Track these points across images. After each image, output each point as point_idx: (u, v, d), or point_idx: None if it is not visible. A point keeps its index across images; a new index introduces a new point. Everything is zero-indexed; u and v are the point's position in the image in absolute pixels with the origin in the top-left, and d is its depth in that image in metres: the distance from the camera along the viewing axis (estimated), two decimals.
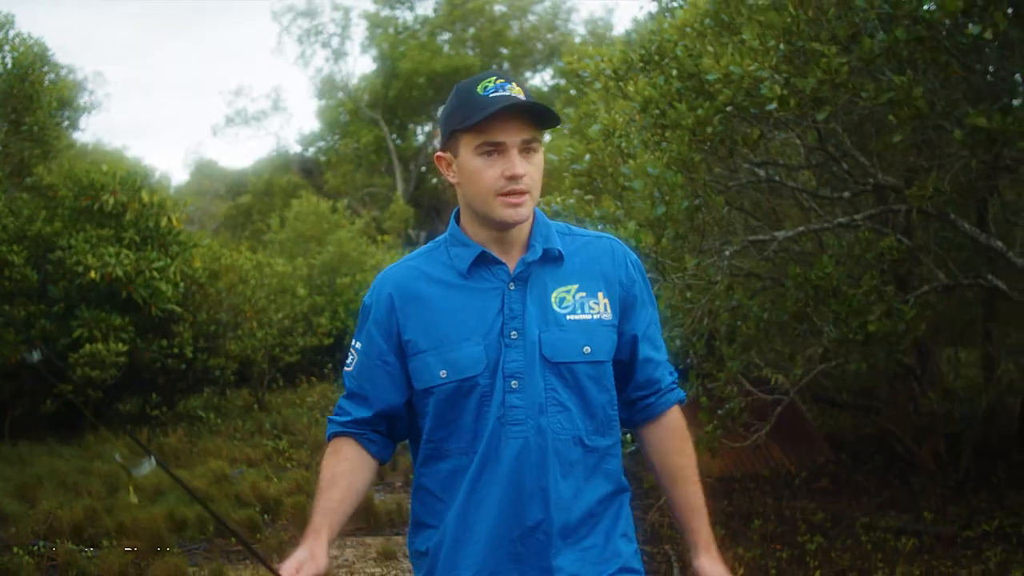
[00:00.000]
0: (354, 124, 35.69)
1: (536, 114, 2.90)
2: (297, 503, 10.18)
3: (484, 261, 2.99)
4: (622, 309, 3.07)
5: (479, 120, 2.81)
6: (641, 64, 9.33)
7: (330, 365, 21.53)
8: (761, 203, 10.03)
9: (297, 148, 38.78)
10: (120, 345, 14.78)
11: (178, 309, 15.98)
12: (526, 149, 2.89)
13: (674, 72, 8.34)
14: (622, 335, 3.08)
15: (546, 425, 2.92)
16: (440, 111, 3.12)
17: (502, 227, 2.97)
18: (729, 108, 7.63)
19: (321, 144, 37.55)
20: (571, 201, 9.83)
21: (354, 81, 37.29)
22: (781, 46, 7.29)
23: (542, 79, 48.99)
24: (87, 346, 14.59)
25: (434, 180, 37.01)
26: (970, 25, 6.57)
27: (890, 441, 11.95)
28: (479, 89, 2.88)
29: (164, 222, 16.14)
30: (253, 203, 33.14)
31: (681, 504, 3.17)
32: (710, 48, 8.19)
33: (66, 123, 18.71)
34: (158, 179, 24.58)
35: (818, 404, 14.04)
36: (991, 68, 7.40)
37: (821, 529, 9.41)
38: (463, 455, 2.96)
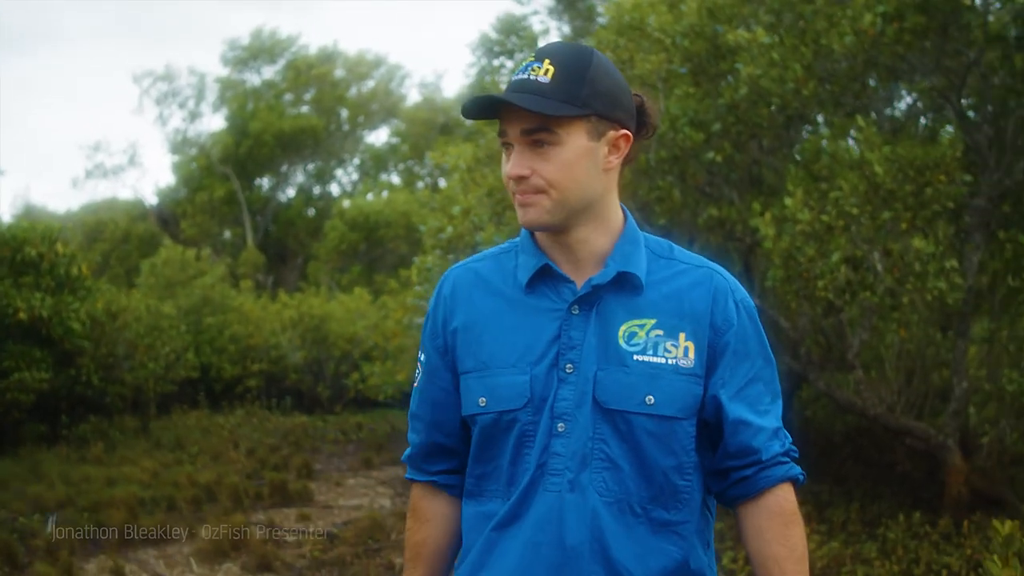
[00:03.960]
0: (207, 178, 38.06)
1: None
2: (229, 485, 13.28)
3: (548, 275, 2.53)
4: (711, 358, 2.51)
5: (464, 113, 2.47)
6: (486, 159, 12.52)
7: (202, 394, 24.04)
8: None
9: (154, 200, 41.03)
10: (43, 373, 17.55)
11: (86, 344, 18.81)
12: (534, 142, 2.41)
13: None
14: (706, 390, 2.51)
15: (587, 482, 2.42)
16: None
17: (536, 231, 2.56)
18: None
19: (176, 196, 39.70)
20: (432, 259, 12.97)
21: (205, 139, 39.95)
22: None
23: (377, 137, 52.00)
24: (15, 375, 17.32)
25: (269, 229, 39.49)
26: (709, 153, 10.14)
27: None
28: (514, 70, 2.48)
29: (75, 270, 18.94)
30: (111, 250, 35.35)
31: None
32: None
33: None
34: None
35: None
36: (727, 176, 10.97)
37: None
38: (500, 499, 2.52)
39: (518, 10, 23.76)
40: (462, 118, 2.67)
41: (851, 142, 9.71)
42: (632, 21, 10.75)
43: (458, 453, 2.70)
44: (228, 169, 37.96)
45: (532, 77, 2.39)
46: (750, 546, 2.55)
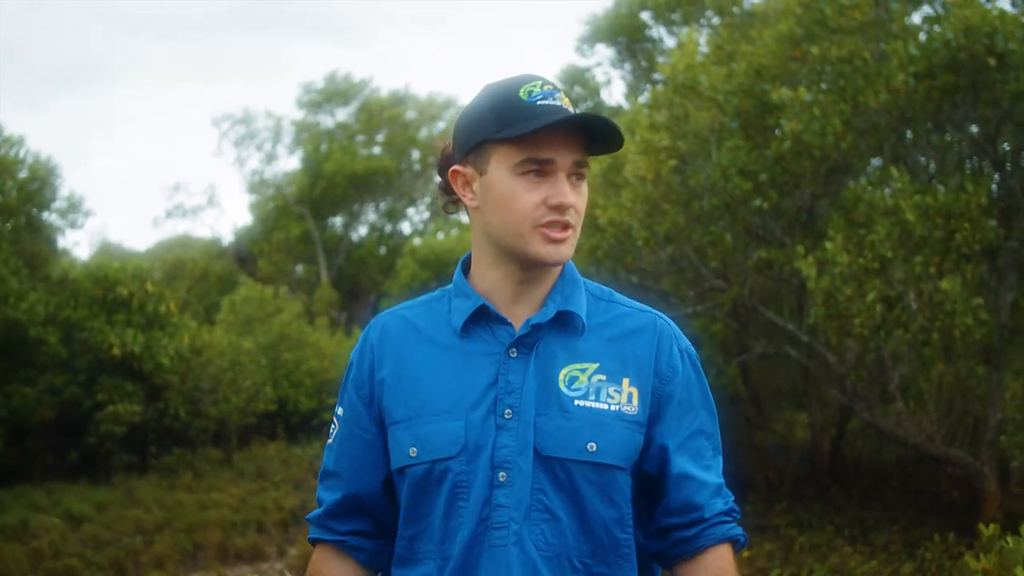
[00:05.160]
0: (283, 218, 39.22)
1: (595, 134, 2.29)
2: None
3: (485, 318, 2.37)
4: (655, 406, 2.35)
5: (528, 131, 2.21)
6: None
7: (280, 427, 25.00)
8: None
9: (230, 238, 42.24)
10: (135, 406, 18.67)
11: (174, 378, 19.94)
12: (576, 174, 2.29)
13: None
14: (651, 441, 2.35)
15: (527, 535, 2.26)
16: (461, 115, 2.43)
17: (534, 267, 2.34)
18: (612, 241, 12.04)
19: (253, 235, 40.75)
20: None
21: (281, 180, 41.19)
22: (645, 206, 11.69)
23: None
24: (109, 407, 18.44)
25: (342, 267, 40.35)
26: (757, 200, 11.02)
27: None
28: (522, 93, 2.28)
29: (163, 308, 20.06)
30: (191, 287, 36.40)
31: None
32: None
33: (72, 224, 22.52)
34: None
35: None
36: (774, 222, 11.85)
37: None
38: (432, 560, 2.33)
39: (582, 62, 24.67)
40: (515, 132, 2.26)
41: (887, 191, 10.52)
42: (686, 80, 11.69)
43: (372, 514, 2.49)
44: (303, 209, 39.09)
45: (564, 106, 2.30)
46: None
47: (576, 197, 2.28)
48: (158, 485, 17.44)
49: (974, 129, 11.50)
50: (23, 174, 20.25)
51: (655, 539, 2.40)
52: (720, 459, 2.44)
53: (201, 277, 37.15)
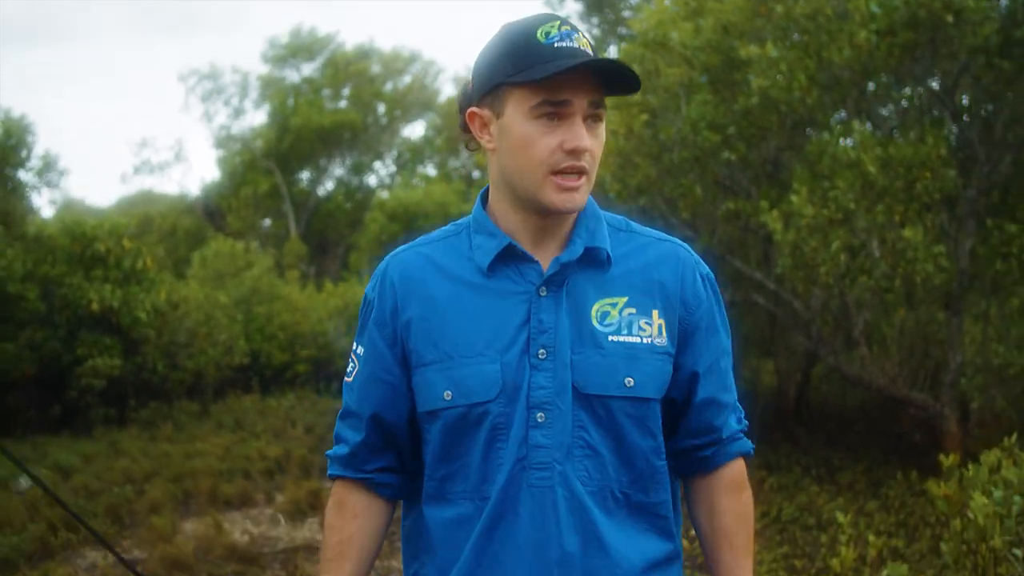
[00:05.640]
0: (251, 172, 39.36)
1: (612, 76, 2.26)
2: (297, 457, 14.64)
3: (511, 256, 2.35)
4: (681, 335, 2.40)
5: (544, 76, 2.18)
6: None
7: (256, 380, 25.20)
8: None
9: (198, 193, 42.27)
10: (114, 360, 18.96)
11: (151, 332, 20.22)
12: (593, 116, 2.27)
13: None
14: (679, 368, 2.41)
15: (571, 473, 2.29)
16: (480, 56, 2.39)
17: (548, 214, 2.33)
18: None
19: (221, 190, 40.75)
20: None
21: (247, 135, 41.23)
22: (617, 159, 12.07)
23: (413, 130, 53.14)
24: (88, 362, 18.72)
25: (310, 221, 40.56)
26: (725, 152, 11.42)
27: None
28: (539, 35, 2.24)
29: (140, 264, 20.32)
30: (159, 242, 36.43)
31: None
32: None
33: (48, 183, 22.73)
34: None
35: None
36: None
37: None
38: (469, 501, 2.34)
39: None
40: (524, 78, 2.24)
41: (849, 143, 10.93)
42: (656, 37, 12.06)
43: (398, 450, 2.51)
44: (271, 163, 39.23)
45: (582, 48, 2.25)
46: (700, 518, 2.53)
47: (592, 140, 2.26)
48: (139, 437, 17.69)
49: (934, 83, 11.93)
50: None
51: (672, 458, 2.46)
52: (732, 376, 2.54)
53: (170, 232, 37.26)
